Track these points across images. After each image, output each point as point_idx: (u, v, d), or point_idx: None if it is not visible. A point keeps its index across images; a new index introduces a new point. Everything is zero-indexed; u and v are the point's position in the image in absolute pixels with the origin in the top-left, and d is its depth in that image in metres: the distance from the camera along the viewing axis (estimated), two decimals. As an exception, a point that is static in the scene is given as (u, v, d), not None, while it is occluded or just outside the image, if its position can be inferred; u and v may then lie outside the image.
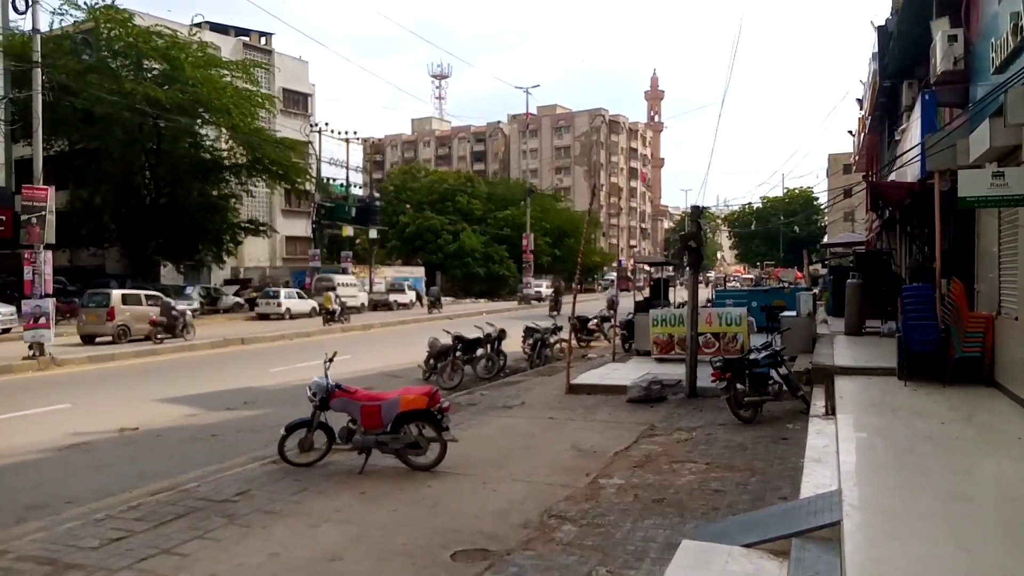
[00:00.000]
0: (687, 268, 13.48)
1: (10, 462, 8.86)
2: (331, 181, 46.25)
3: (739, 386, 9.84)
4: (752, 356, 10.15)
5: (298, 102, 52.25)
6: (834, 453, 6.61)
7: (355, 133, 46.57)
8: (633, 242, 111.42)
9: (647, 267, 40.90)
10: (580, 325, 19.69)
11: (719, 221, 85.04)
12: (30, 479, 8.17)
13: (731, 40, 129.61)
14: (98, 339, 22.07)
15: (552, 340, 17.62)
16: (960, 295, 9.60)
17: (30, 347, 17.68)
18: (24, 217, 18.30)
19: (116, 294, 23.10)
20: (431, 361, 14.92)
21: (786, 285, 31.75)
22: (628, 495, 6.81)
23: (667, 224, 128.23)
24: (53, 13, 30.76)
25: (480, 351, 15.35)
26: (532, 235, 53.54)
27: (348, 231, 44.61)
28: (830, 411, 8.74)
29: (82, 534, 5.99)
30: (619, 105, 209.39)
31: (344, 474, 7.68)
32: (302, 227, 49.82)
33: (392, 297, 42.77)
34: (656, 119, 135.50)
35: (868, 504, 5.09)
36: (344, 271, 42.68)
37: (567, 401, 11.89)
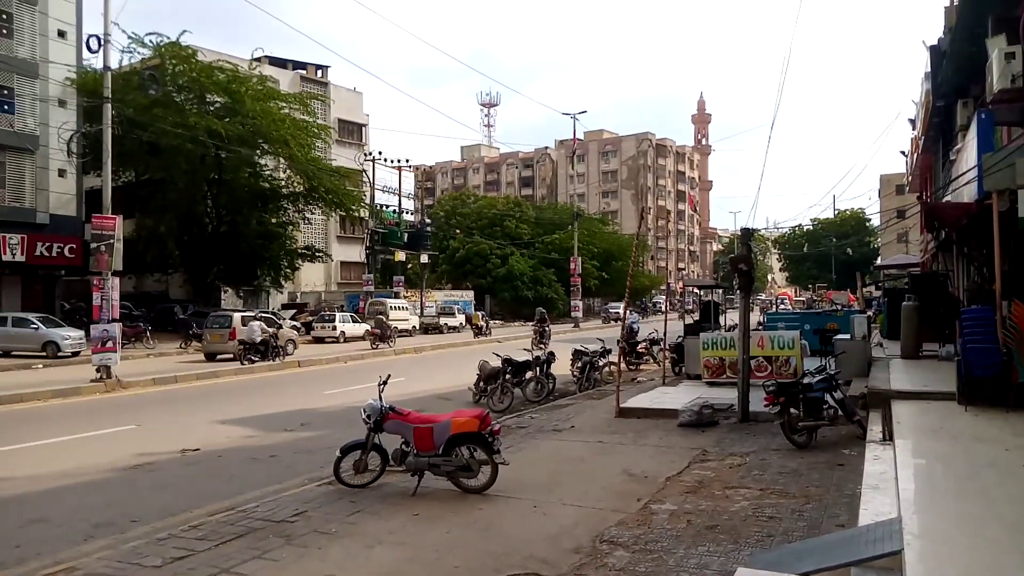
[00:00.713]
0: (737, 291, 13.36)
1: (80, 481, 9.22)
2: (384, 208, 47.14)
3: (793, 411, 9.70)
4: (806, 380, 10.00)
5: (353, 132, 53.53)
6: (893, 480, 6.48)
7: (407, 161, 47.56)
8: (681, 265, 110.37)
9: (696, 290, 40.48)
10: (629, 348, 19.61)
11: (769, 243, 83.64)
12: (98, 498, 8.48)
13: (780, 62, 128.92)
14: (219, 356, 24.82)
15: (601, 363, 17.60)
16: (1022, 318, 9.33)
17: (98, 370, 18.35)
18: (93, 245, 19.11)
19: (236, 317, 25.69)
20: (481, 384, 15.06)
21: (839, 308, 31.06)
22: (681, 521, 6.77)
23: (716, 247, 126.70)
24: (122, 51, 32.26)
25: (529, 374, 15.43)
26: (579, 258, 53.47)
27: (400, 256, 45.35)
28: (887, 436, 8.56)
29: (146, 552, 6.22)
30: (666, 129, 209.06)
31: (398, 496, 7.81)
32: (356, 252, 50.81)
33: (442, 320, 43.21)
34: (704, 142, 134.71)
35: (930, 533, 4.98)
36: (396, 295, 43.34)
37: (617, 425, 11.86)
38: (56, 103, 31.38)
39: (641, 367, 20.72)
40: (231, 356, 24.11)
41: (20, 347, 24.71)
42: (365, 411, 8.16)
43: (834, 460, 8.96)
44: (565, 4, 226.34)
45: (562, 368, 16.97)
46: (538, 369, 15.53)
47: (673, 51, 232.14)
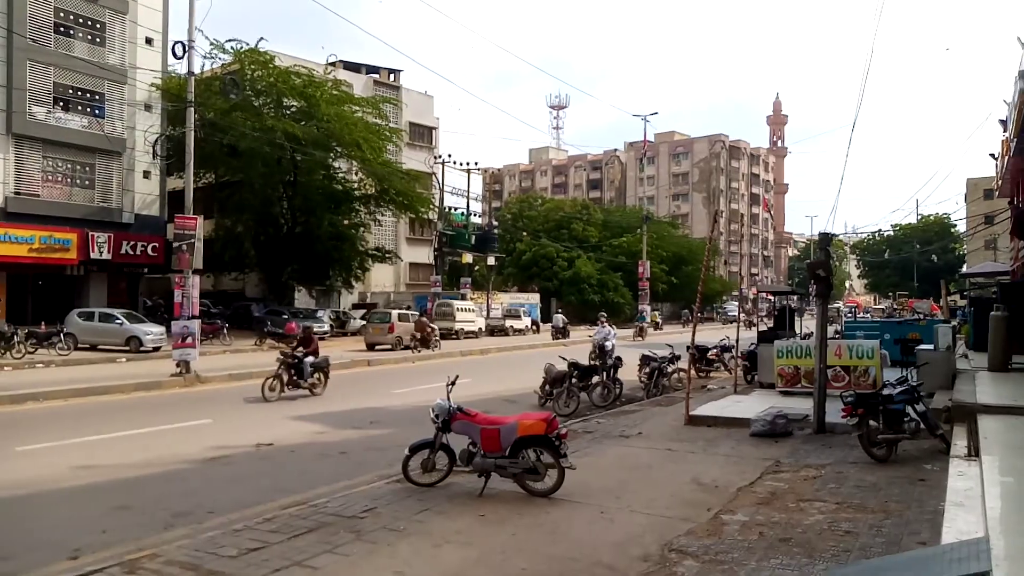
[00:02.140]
0: (814, 298, 12.96)
1: (160, 471, 9.59)
2: (452, 210, 47.62)
3: (872, 423, 9.34)
4: (886, 391, 9.62)
5: (423, 135, 54.29)
6: (979, 497, 6.15)
7: (475, 164, 47.88)
8: (754, 270, 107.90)
9: (770, 296, 39.50)
10: (699, 355, 19.27)
11: (847, 249, 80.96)
12: (177, 488, 8.80)
13: (862, 60, 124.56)
14: (378, 347, 29.42)
15: (670, 369, 17.32)
16: None
17: (177, 365, 19.07)
18: (175, 244, 19.91)
19: (395, 313, 31.21)
20: (547, 387, 15.02)
21: (921, 317, 29.83)
22: (752, 532, 6.60)
23: (791, 252, 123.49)
24: (204, 57, 33.57)
25: (596, 378, 15.32)
26: (648, 262, 52.85)
27: (467, 258, 45.75)
28: (973, 452, 8.14)
29: (222, 543, 6.39)
30: (740, 131, 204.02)
31: (464, 496, 7.85)
32: (425, 254, 51.52)
33: (508, 322, 43.35)
34: (779, 144, 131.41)
35: (1020, 555, 4.71)
36: (463, 296, 43.72)
37: (686, 433, 11.65)
38: (143, 107, 32.83)
39: (711, 375, 20.33)
40: (389, 347, 29.07)
41: (106, 341, 25.93)
42: (433, 411, 8.23)
43: (915, 475, 8.59)
44: (637, 6, 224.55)
45: (629, 374, 16.79)
46: (604, 374, 15.39)
47: (747, 52, 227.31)
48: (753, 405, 13.33)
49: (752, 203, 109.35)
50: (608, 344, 18.71)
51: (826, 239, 12.94)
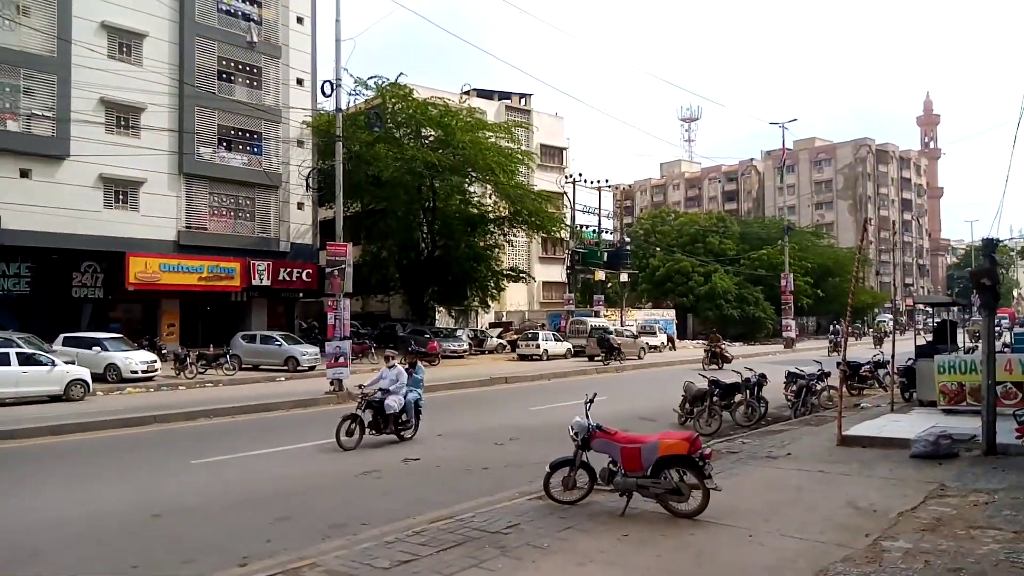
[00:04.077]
0: (978, 309, 12.00)
1: (317, 484, 10.19)
2: (584, 228, 47.76)
3: (1053, 445, 8.52)
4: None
5: (554, 156, 54.97)
6: None
7: (606, 181, 47.82)
8: (909, 280, 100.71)
9: (927, 308, 36.71)
10: (851, 371, 18.24)
11: (1015, 255, 73.96)
12: (333, 500, 9.32)
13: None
14: (595, 357, 32.50)
15: (819, 387, 16.51)
16: None
17: (331, 383, 20.24)
18: (328, 270, 21.20)
19: (614, 329, 35.76)
20: (687, 405, 14.72)
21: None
22: (917, 561, 6.18)
23: (949, 260, 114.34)
24: (350, 94, 35.66)
25: (739, 396, 14.85)
26: (791, 275, 50.55)
27: (600, 275, 45.62)
28: None
29: (376, 554, 6.69)
30: (886, 135, 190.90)
31: (606, 515, 7.83)
32: (557, 272, 51.94)
33: (643, 339, 42.72)
34: (931, 145, 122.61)
35: None
36: (596, 314, 43.59)
37: (839, 454, 11.06)
38: (296, 144, 35.31)
39: (864, 392, 19.20)
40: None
41: (266, 361, 27.89)
42: (572, 428, 8.27)
43: (1109, 504, 7.74)
44: (770, 14, 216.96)
45: (774, 392, 16.15)
46: (748, 392, 14.90)
47: (890, 51, 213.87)
48: (913, 424, 12.48)
49: (903, 209, 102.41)
50: None
51: (991, 245, 11.97)
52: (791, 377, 16.74)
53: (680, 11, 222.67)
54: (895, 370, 16.83)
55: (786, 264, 50.52)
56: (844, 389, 14.74)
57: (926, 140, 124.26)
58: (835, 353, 28.40)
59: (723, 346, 31.35)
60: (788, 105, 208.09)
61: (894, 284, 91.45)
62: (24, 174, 27.56)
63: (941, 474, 9.42)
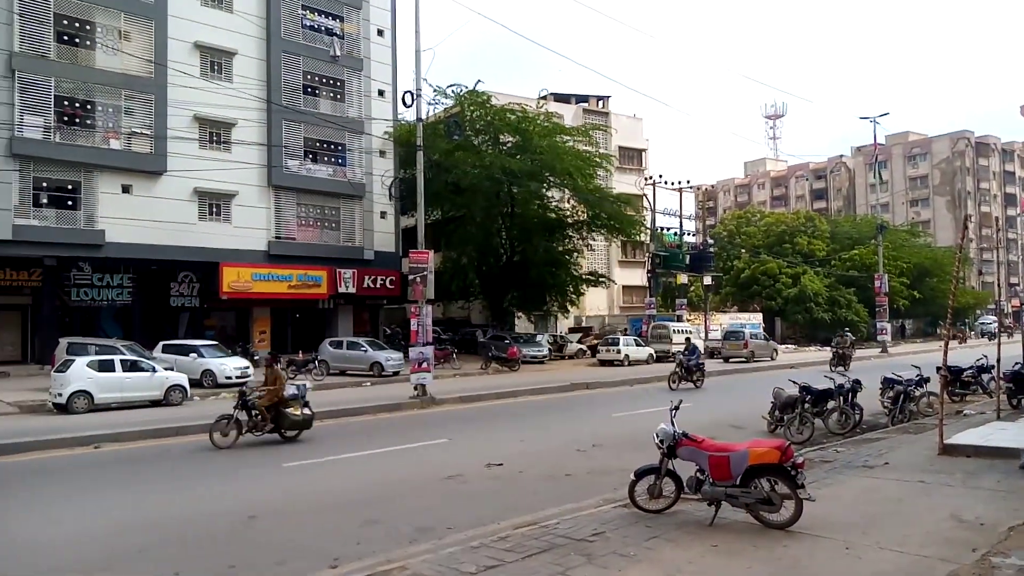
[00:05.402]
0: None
1: (403, 488, 10.36)
2: (665, 230, 47.08)
3: None
4: None
5: (633, 158, 54.40)
6: None
7: (687, 182, 46.96)
8: (1014, 279, 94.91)
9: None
10: (952, 376, 17.30)
11: None
12: (419, 504, 9.45)
13: None
14: (732, 359, 36.55)
15: (917, 393, 15.72)
16: None
17: (415, 388, 20.57)
18: (410, 277, 21.57)
19: (747, 331, 38.81)
20: (776, 413, 14.25)
21: None
22: (1032, 580, 5.80)
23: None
24: (429, 104, 36.22)
25: (831, 403, 14.30)
26: (885, 275, 48.39)
27: (682, 278, 44.80)
28: None
29: (462, 559, 6.74)
30: (986, 126, 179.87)
31: (694, 524, 7.67)
32: (638, 276, 51.33)
33: (773, 343, 41.85)
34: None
35: None
36: (679, 318, 42.89)
37: (941, 463, 10.50)
38: (378, 154, 36.19)
39: (967, 398, 18.18)
40: (743, 360, 35.87)
41: (353, 367, 28.59)
42: (658, 436, 8.12)
43: None
44: (858, 3, 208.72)
45: (869, 398, 15.48)
46: (841, 398, 14.32)
47: (987, 37, 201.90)
48: (1022, 433, 11.72)
49: (1007, 204, 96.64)
50: None
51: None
52: (887, 383, 16.00)
53: (762, 5, 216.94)
54: (1001, 375, 15.85)
55: (880, 264, 48.43)
56: (945, 395, 14.02)
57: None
58: (840, 367, 27.24)
59: (849, 349, 31.20)
60: (877, 99, 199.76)
61: (998, 284, 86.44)
62: (125, 189, 29.21)
63: (1057, 487, 8.82)
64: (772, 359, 37.50)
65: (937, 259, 65.15)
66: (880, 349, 45.08)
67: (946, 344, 13.19)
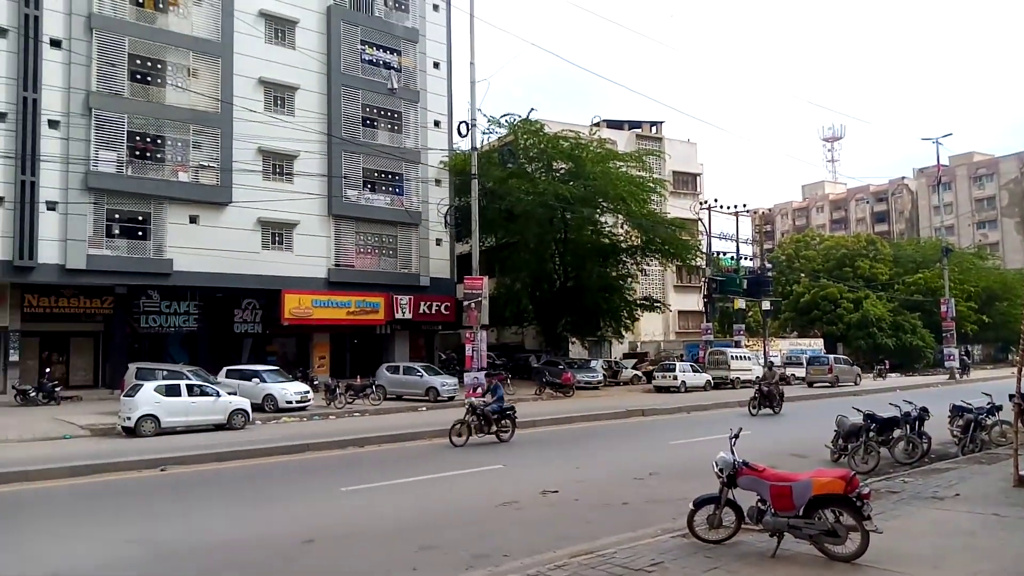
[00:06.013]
0: None
1: (459, 514, 10.39)
2: (721, 255, 46.52)
3: None
4: None
5: (687, 182, 54.09)
6: None
7: (744, 206, 46.36)
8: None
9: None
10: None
11: None
12: (475, 530, 9.46)
13: None
14: (816, 383, 37.13)
15: (989, 422, 15.12)
16: None
17: (469, 413, 20.59)
18: (465, 303, 21.85)
19: (831, 357, 39.91)
20: (840, 441, 13.91)
21: None
22: (1118, 621, 5.51)
23: None
24: (483, 133, 36.76)
25: (897, 432, 13.87)
26: (952, 300, 46.76)
27: (740, 303, 44.08)
28: None
29: (519, 586, 6.76)
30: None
31: (755, 556, 7.51)
32: (694, 301, 50.70)
33: (789, 371, 40.84)
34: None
35: None
36: (737, 344, 42.15)
37: (1016, 496, 10.09)
38: (434, 183, 36.82)
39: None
40: (828, 384, 36.86)
41: (409, 392, 28.88)
42: (717, 464, 8.00)
43: None
44: (918, 24, 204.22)
45: (938, 427, 14.96)
46: (908, 427, 13.88)
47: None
48: (1106, 466, 11.13)
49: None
50: None
51: None
52: (957, 411, 15.45)
53: (818, 28, 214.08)
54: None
55: (946, 289, 46.88)
56: (1019, 424, 13.44)
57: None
58: (769, 408, 23.61)
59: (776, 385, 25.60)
60: (939, 120, 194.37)
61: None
62: (192, 220, 30.31)
63: None
64: (856, 383, 37.87)
65: (1007, 282, 62.81)
66: (949, 375, 43.48)
67: (1019, 370, 12.67)
